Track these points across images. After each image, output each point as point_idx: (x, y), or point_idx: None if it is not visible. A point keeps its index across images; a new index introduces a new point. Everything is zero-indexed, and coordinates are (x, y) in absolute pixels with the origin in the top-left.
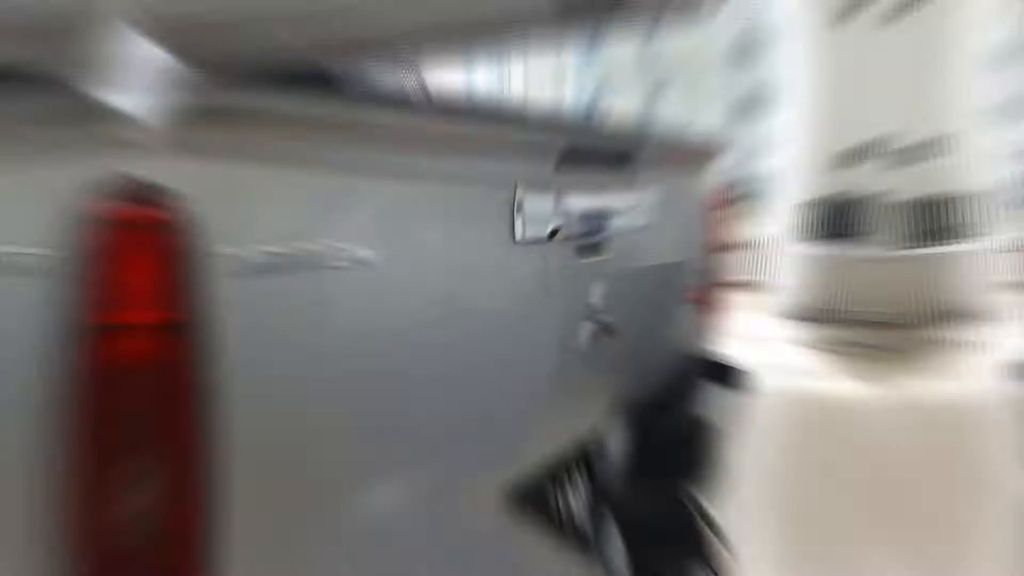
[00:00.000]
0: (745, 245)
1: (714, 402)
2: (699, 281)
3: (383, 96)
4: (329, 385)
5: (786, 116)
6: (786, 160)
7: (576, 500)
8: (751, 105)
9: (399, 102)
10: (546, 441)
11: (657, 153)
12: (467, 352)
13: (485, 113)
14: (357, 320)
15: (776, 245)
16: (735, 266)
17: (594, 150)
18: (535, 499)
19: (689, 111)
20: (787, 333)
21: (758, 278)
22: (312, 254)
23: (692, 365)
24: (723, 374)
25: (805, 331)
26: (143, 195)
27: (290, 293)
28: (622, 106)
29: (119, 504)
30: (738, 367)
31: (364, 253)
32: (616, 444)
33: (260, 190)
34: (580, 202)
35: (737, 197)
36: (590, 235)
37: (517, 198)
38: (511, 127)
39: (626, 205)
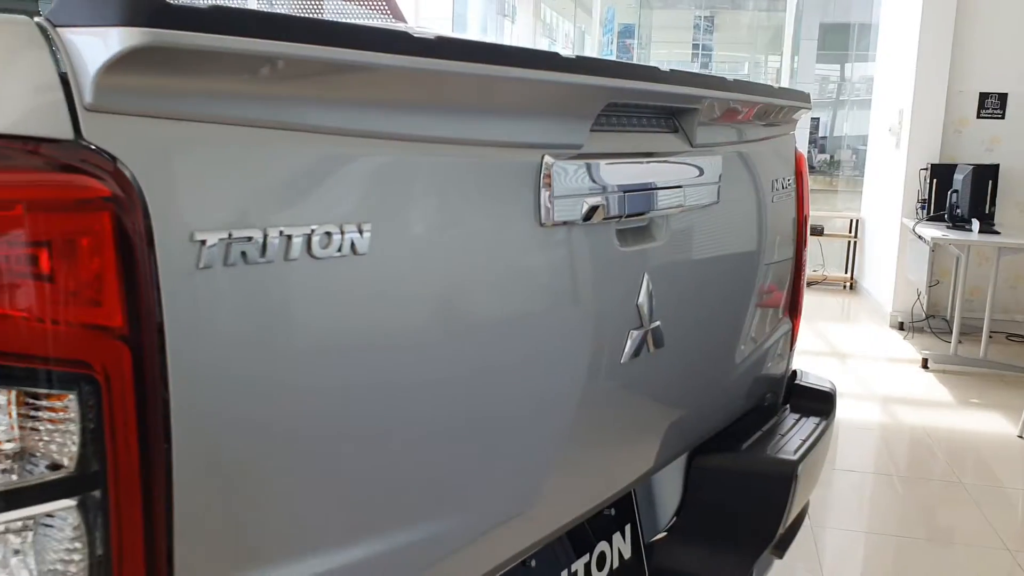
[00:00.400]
0: (835, 230)
1: (795, 439)
2: (779, 278)
3: (376, 35)
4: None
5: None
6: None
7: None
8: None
9: (397, 43)
10: (575, 488)
11: (727, 109)
12: (473, 363)
13: (504, 57)
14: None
15: (882, 228)
16: (825, 259)
17: (644, 105)
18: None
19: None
20: (899, 346)
21: (855, 274)
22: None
23: (769, 391)
24: (809, 401)
25: (920, 343)
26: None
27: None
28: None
29: None
30: (828, 392)
31: (358, 238)
32: (668, 491)
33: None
34: (625, 171)
35: (830, 168)
36: (636, 216)
37: (544, 168)
38: (536, 75)
39: (683, 176)
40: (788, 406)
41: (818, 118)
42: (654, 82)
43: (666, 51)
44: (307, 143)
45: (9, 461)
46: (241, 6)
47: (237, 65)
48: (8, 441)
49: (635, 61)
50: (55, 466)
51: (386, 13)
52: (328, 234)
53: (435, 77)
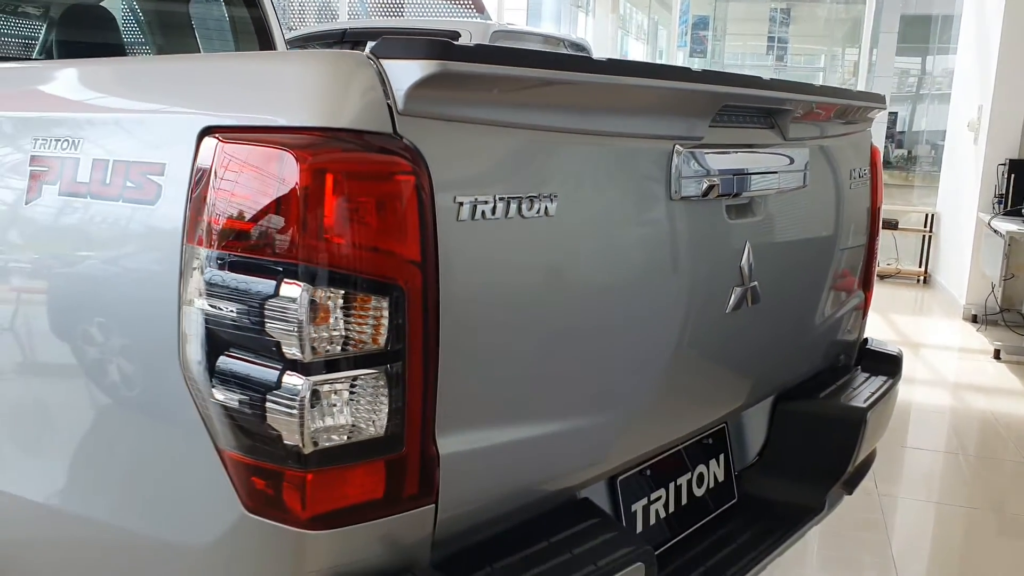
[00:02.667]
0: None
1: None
2: (855, 255)
3: (568, 60)
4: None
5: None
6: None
7: (697, 489)
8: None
9: (582, 64)
10: (684, 402)
11: (813, 110)
12: (624, 300)
13: (646, 72)
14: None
15: (958, 223)
16: (899, 252)
17: (748, 107)
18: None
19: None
20: (971, 337)
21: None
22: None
23: (843, 353)
24: (878, 363)
25: (993, 335)
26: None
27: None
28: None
29: None
30: (895, 356)
31: (550, 204)
32: (756, 429)
33: (495, 150)
34: (734, 159)
35: (907, 163)
36: (740, 194)
37: (674, 156)
38: (673, 85)
39: (778, 164)
40: (860, 367)
41: (896, 113)
42: (758, 88)
43: (740, 43)
44: (523, 136)
45: (343, 340)
46: (489, 44)
47: (487, 83)
48: (341, 327)
49: (708, 53)
50: (373, 344)
51: (468, 5)
52: (533, 200)
53: (605, 88)
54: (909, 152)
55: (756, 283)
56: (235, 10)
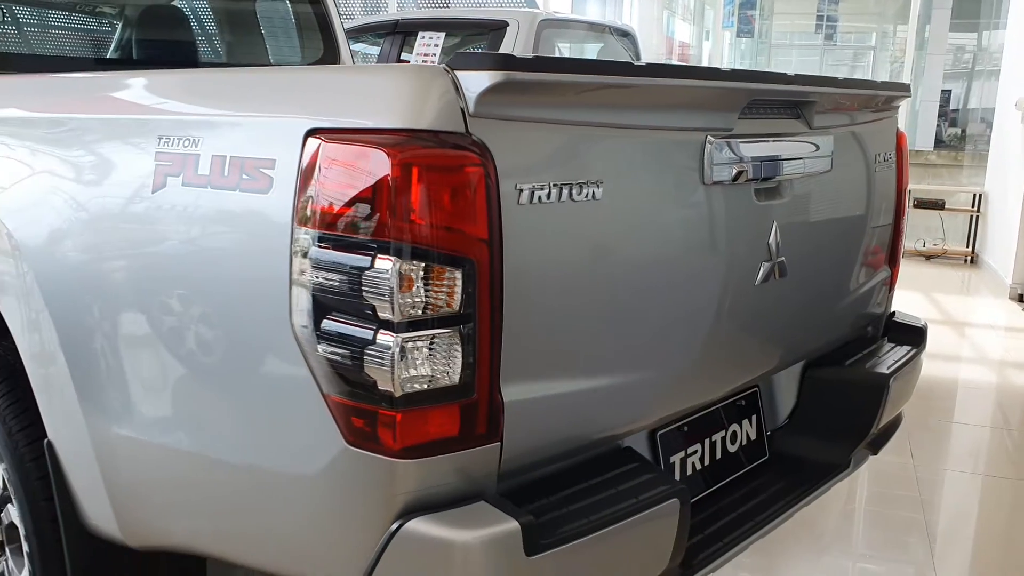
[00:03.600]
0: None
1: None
2: (881, 232)
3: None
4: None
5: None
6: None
7: (731, 445)
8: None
9: (625, 68)
10: (718, 365)
11: (837, 101)
12: (662, 272)
13: (680, 74)
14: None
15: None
16: (946, 232)
17: (775, 100)
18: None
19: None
20: (1017, 316)
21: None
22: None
23: (870, 324)
24: (903, 334)
25: None
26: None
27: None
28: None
29: None
30: (920, 328)
31: (597, 190)
32: (786, 392)
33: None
34: (762, 148)
35: (960, 142)
36: (768, 179)
37: (707, 145)
38: (704, 84)
39: (804, 152)
40: (886, 338)
41: (949, 90)
42: (783, 83)
43: (788, 22)
44: (574, 131)
45: (424, 305)
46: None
47: (544, 88)
48: (423, 294)
49: (755, 33)
50: (449, 308)
51: None
52: (581, 186)
53: (644, 89)
54: (962, 131)
55: (783, 259)
56: (299, 7)
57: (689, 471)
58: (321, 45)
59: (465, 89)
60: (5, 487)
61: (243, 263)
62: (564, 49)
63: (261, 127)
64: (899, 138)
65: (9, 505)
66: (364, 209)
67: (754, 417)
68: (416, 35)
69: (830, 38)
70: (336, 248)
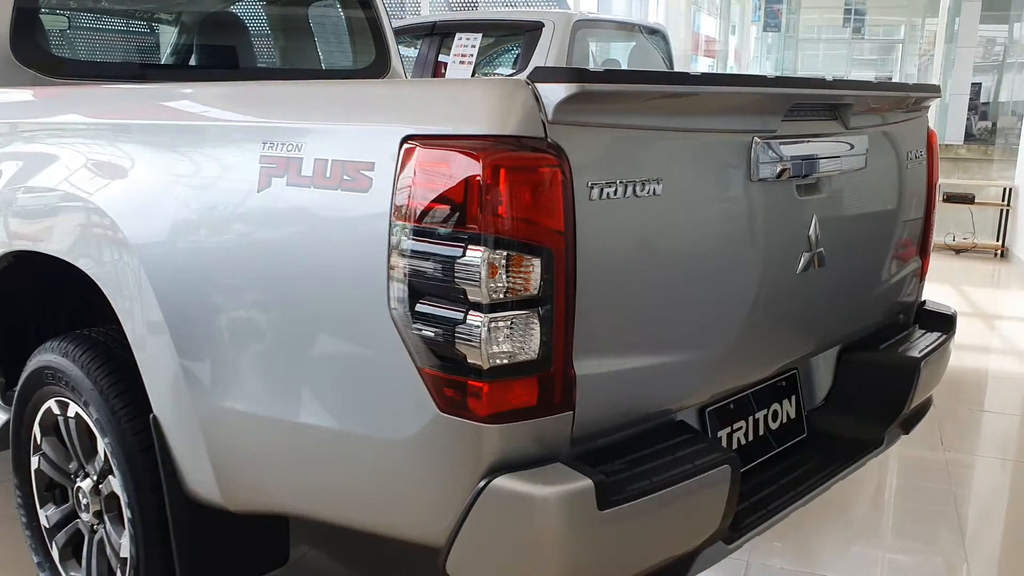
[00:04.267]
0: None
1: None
2: (912, 225)
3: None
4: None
5: None
6: None
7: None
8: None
9: (680, 78)
10: (761, 347)
11: (871, 103)
12: (712, 261)
13: (730, 82)
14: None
15: None
16: (976, 226)
17: (816, 104)
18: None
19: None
20: None
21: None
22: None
23: (902, 312)
24: (934, 321)
25: None
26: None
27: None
28: None
29: None
30: (949, 315)
31: (657, 187)
32: (823, 376)
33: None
34: (802, 148)
35: (990, 135)
36: (808, 176)
37: (753, 146)
38: (752, 90)
39: (840, 151)
40: (917, 325)
41: (979, 83)
42: (821, 88)
43: (816, 16)
44: (637, 134)
45: (507, 289)
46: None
47: (612, 98)
48: (507, 279)
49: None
50: (528, 292)
51: None
52: (644, 183)
53: (697, 96)
54: (993, 124)
55: (822, 249)
56: (351, 11)
57: (735, 446)
58: (373, 50)
59: (544, 99)
60: (107, 460)
61: (343, 253)
62: (597, 48)
63: (361, 134)
64: (930, 136)
65: (110, 476)
66: (456, 205)
67: (793, 397)
68: (453, 36)
69: (858, 32)
70: (430, 240)
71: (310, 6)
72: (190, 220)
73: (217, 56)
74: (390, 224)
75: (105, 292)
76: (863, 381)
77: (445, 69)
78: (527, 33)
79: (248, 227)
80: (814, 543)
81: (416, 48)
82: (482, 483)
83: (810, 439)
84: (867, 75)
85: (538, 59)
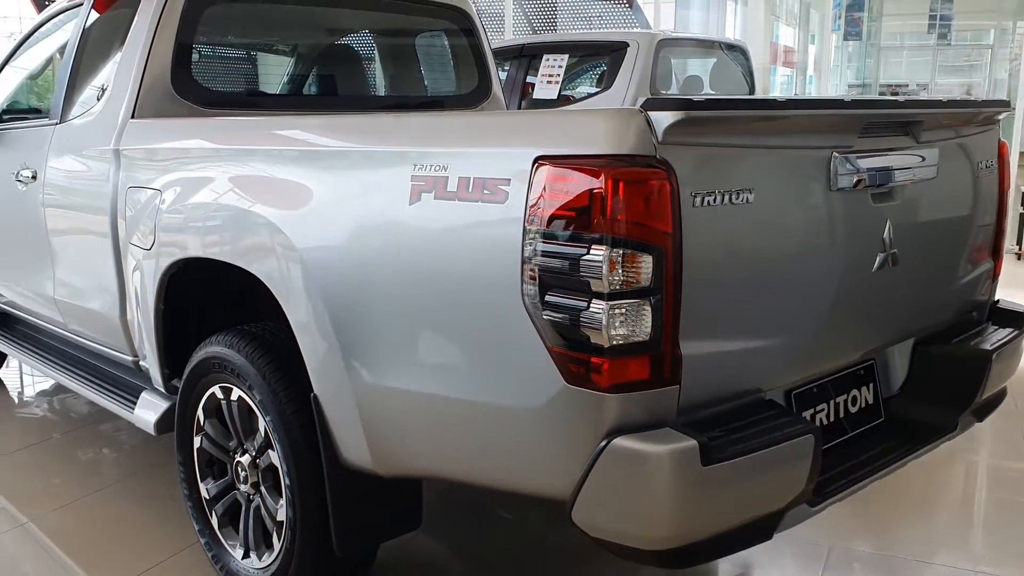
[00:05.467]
0: None
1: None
2: (984, 229)
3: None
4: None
5: None
6: None
7: (852, 407)
8: None
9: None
10: (840, 337)
11: (942, 119)
12: (797, 260)
13: (812, 106)
14: (745, 232)
15: None
16: None
17: (888, 122)
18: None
19: None
20: None
21: None
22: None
23: (975, 309)
24: (1006, 319)
25: None
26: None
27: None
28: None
29: None
30: (1022, 313)
31: (749, 195)
32: (899, 366)
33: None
34: (876, 161)
35: None
36: (882, 185)
37: (832, 159)
38: (833, 112)
39: (912, 163)
40: (990, 321)
41: None
42: (894, 108)
43: (899, 23)
44: (733, 151)
45: (624, 281)
46: (707, 96)
47: (710, 121)
48: (624, 273)
49: (864, 35)
50: (642, 284)
51: (622, 1)
52: (738, 193)
53: (784, 118)
54: None
55: (895, 250)
56: (455, 40)
57: (817, 425)
58: (476, 76)
59: (655, 124)
60: (267, 436)
61: (483, 253)
62: (679, 65)
63: (499, 155)
64: (1001, 147)
65: (269, 450)
66: (581, 212)
67: (871, 384)
68: (540, 58)
69: (944, 37)
70: (558, 241)
71: (417, 36)
72: (350, 229)
73: (340, 85)
74: (524, 229)
75: (274, 292)
76: (937, 371)
77: (532, 89)
78: (612, 53)
79: (400, 234)
80: (894, 528)
81: (505, 69)
82: (603, 443)
83: (887, 423)
84: (954, 82)
85: (623, 77)
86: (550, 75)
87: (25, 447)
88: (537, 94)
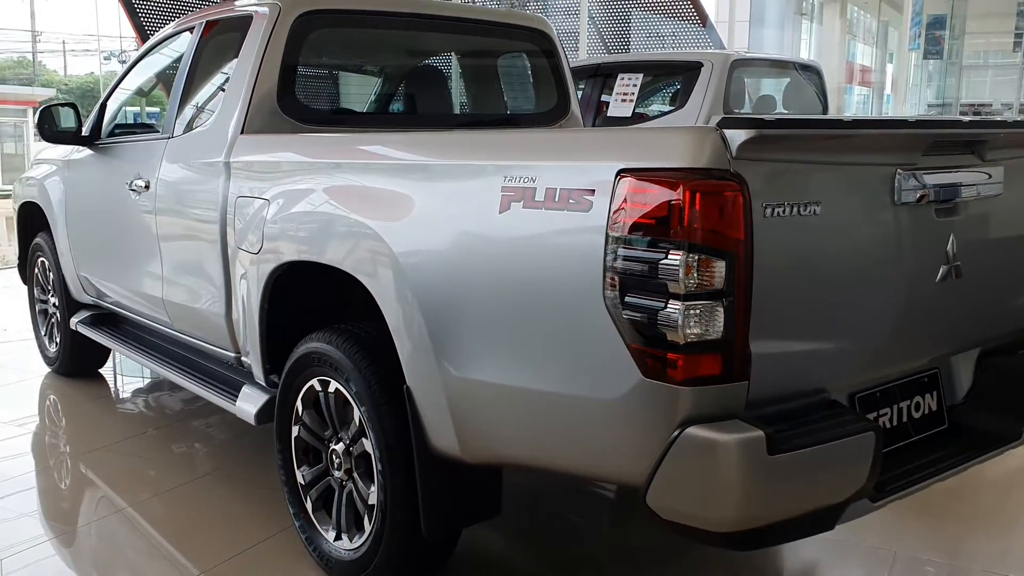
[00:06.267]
0: None
1: None
2: None
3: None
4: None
5: None
6: None
7: (915, 413)
8: None
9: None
10: (902, 344)
11: (1006, 138)
12: (862, 269)
13: (877, 125)
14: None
15: None
16: None
17: (951, 140)
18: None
19: None
20: None
21: None
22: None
23: None
24: None
25: None
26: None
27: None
28: None
29: None
30: None
31: (817, 208)
32: (963, 375)
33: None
34: (940, 177)
35: None
36: (946, 201)
37: (897, 175)
38: (899, 131)
39: (976, 180)
40: None
41: None
42: (959, 128)
43: (982, 41)
44: (801, 166)
45: (699, 284)
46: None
47: (780, 139)
48: (699, 276)
49: (944, 54)
50: (715, 287)
51: (693, 16)
52: (806, 205)
53: (850, 137)
54: None
55: (959, 263)
56: (536, 60)
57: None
58: (555, 95)
59: (729, 140)
60: (361, 426)
61: (567, 258)
62: (752, 85)
63: (584, 168)
64: None
65: (363, 439)
66: (660, 220)
67: (935, 392)
68: (615, 76)
69: None
70: (639, 247)
71: (500, 56)
72: (444, 236)
73: (428, 103)
74: (606, 235)
75: (373, 293)
76: (1001, 382)
77: (607, 107)
78: (686, 72)
79: (490, 240)
80: (961, 540)
81: (581, 88)
82: (676, 432)
83: (950, 430)
84: None
85: (697, 96)
86: (625, 93)
87: (124, 439)
88: (612, 112)
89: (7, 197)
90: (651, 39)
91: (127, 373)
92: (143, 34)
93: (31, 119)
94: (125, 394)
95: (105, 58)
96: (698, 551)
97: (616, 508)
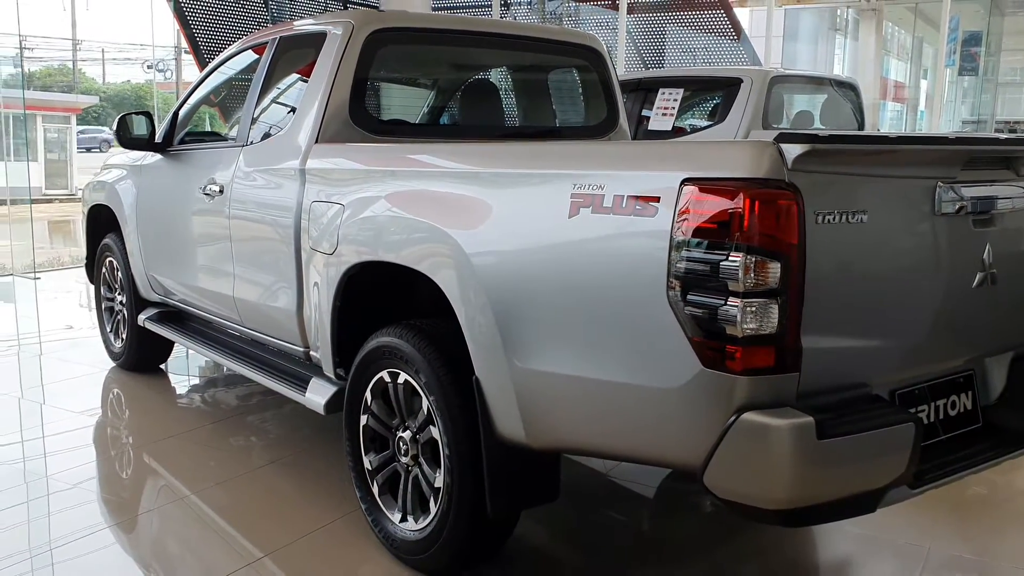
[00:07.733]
0: None
1: None
2: None
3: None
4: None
5: None
6: None
7: (951, 411)
8: None
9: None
10: (940, 345)
11: None
12: (904, 275)
13: (921, 141)
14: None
15: None
16: None
17: (988, 156)
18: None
19: None
20: None
21: None
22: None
23: None
24: None
25: None
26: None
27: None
28: None
29: None
30: None
31: (864, 216)
32: (997, 377)
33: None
34: (977, 190)
35: None
36: (983, 212)
37: (937, 188)
38: (939, 147)
39: (1011, 193)
40: None
41: None
42: (995, 144)
43: (1020, 57)
44: (850, 177)
45: (756, 283)
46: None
47: (834, 153)
48: (756, 276)
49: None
50: (770, 285)
51: (728, 30)
52: (854, 213)
53: (896, 152)
54: None
55: (995, 270)
56: (586, 75)
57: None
58: (604, 109)
59: (785, 153)
60: (429, 414)
61: (633, 260)
62: (790, 101)
63: (650, 177)
64: None
65: (430, 426)
66: (722, 225)
67: (970, 392)
68: (655, 91)
69: None
70: (701, 249)
71: (552, 72)
72: (515, 239)
73: (483, 116)
74: (671, 239)
75: (445, 292)
76: None
77: (647, 121)
78: (726, 88)
79: (560, 242)
80: (996, 538)
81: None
82: (733, 418)
83: (984, 428)
84: None
85: (736, 112)
86: (665, 108)
87: (185, 431)
88: (652, 125)
89: (51, 202)
90: (686, 54)
91: (185, 371)
92: (195, 44)
93: (74, 125)
94: (182, 389)
95: (148, 67)
96: (734, 543)
97: (651, 504)
